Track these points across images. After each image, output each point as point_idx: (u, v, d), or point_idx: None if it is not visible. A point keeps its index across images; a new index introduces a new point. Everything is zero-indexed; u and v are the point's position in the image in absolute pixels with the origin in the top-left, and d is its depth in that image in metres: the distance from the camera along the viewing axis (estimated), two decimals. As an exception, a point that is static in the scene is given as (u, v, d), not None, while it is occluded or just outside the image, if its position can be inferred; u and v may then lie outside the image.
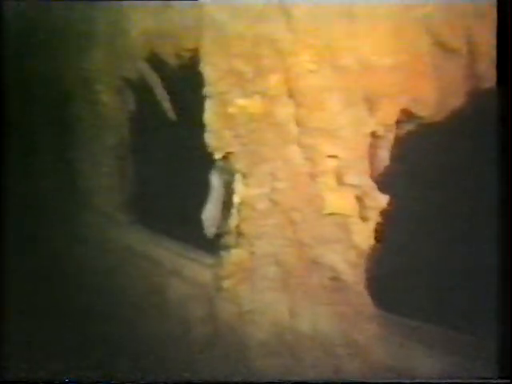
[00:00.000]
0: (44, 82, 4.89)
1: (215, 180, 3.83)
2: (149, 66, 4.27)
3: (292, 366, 3.47)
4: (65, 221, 4.98)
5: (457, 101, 3.24)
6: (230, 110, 3.48)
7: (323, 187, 3.25)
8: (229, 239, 3.73)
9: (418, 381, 2.93)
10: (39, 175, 5.09)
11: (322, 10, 3.09)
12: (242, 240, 3.66)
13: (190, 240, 4.17)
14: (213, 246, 3.94)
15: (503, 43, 2.86)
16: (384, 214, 3.22)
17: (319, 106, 3.17)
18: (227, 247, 3.75)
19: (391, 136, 3.27)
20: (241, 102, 3.45)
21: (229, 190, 3.69)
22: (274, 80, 3.32)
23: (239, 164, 3.57)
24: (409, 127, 3.35)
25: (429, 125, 3.36)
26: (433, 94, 3.16)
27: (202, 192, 4.00)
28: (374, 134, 3.17)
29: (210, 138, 3.64)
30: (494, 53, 2.91)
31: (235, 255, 3.70)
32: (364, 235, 3.24)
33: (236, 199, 3.59)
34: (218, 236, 3.84)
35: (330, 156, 3.18)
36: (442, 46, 3.11)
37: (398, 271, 3.43)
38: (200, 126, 3.77)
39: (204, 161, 3.90)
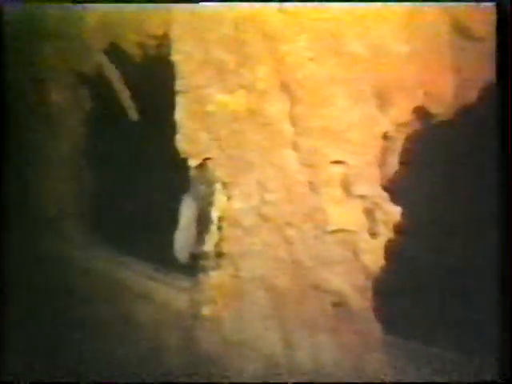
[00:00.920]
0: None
1: (189, 192, 3.03)
2: (107, 59, 3.43)
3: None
4: (22, 240, 4.01)
5: (471, 96, 2.56)
6: (208, 107, 2.69)
7: (326, 199, 2.53)
8: (207, 260, 2.96)
9: (418, 381, 2.59)
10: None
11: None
12: (223, 261, 2.94)
13: (161, 260, 3.35)
14: (189, 267, 3.13)
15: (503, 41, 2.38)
16: (396, 228, 2.50)
17: (321, 102, 2.45)
18: (205, 269, 3.01)
19: (402, 137, 2.56)
20: (221, 97, 2.67)
21: (207, 204, 2.89)
22: (262, 71, 2.56)
23: (219, 172, 2.81)
24: (417, 126, 2.65)
25: (437, 123, 2.67)
26: (449, 88, 2.48)
27: (173, 206, 3.18)
28: (385, 136, 2.44)
29: (182, 142, 2.86)
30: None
31: (215, 278, 2.93)
32: (374, 254, 2.55)
33: (215, 214, 2.79)
34: (195, 257, 3.04)
35: (334, 162, 2.46)
36: (462, 32, 2.42)
37: (408, 291, 2.75)
38: (170, 128, 2.94)
39: (175, 169, 3.09)
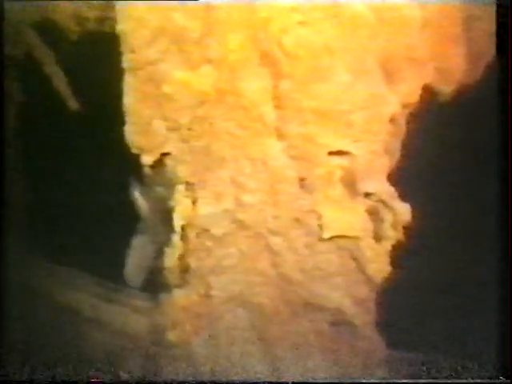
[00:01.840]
0: None
1: (142, 197, 2.31)
2: (39, 37, 2.59)
3: None
4: None
5: (477, 74, 2.01)
6: (165, 88, 1.97)
7: (321, 199, 1.88)
8: (170, 277, 2.28)
9: (418, 381, 2.20)
10: None
11: None
12: (190, 277, 2.27)
13: (112, 275, 2.61)
14: (149, 285, 2.41)
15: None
16: (406, 229, 1.91)
17: (314, 77, 1.78)
18: (168, 287, 2.35)
19: (404, 120, 1.96)
20: (181, 75, 1.96)
21: (167, 210, 2.19)
22: (235, 40, 1.86)
23: (182, 170, 2.12)
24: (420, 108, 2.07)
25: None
26: (460, 64, 1.88)
27: (124, 212, 2.44)
28: (392, 118, 1.82)
29: (133, 134, 2.14)
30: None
31: (181, 298, 2.22)
32: (378, 262, 1.94)
33: (178, 222, 2.07)
34: (155, 272, 2.34)
35: (333, 152, 1.80)
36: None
37: (413, 301, 2.19)
38: (118, 117, 2.20)
39: (126, 169, 2.35)
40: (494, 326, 2.12)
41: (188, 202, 2.16)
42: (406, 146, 2.07)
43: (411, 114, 2.10)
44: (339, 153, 1.85)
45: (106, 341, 2.67)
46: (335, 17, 1.77)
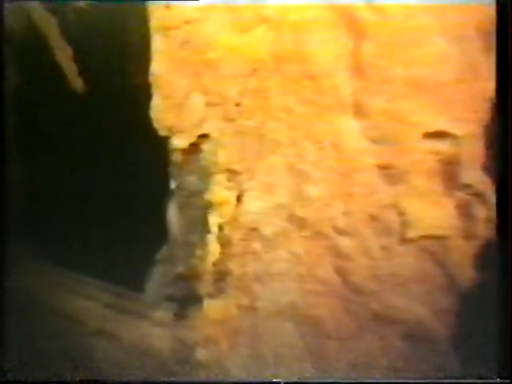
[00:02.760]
0: None
1: (170, 190, 1.83)
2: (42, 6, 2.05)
3: None
4: None
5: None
6: (209, 53, 1.48)
7: (405, 192, 1.41)
8: (202, 285, 1.82)
9: (418, 381, 1.81)
10: None
11: None
12: (226, 286, 1.82)
13: (128, 283, 2.10)
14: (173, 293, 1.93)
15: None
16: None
17: (404, 40, 1.31)
18: (198, 297, 1.86)
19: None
20: (228, 38, 1.47)
21: (201, 206, 1.70)
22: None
23: (224, 155, 1.59)
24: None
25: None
26: None
27: (143, 207, 1.96)
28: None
29: (161, 111, 1.60)
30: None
31: (215, 309, 1.74)
32: (466, 266, 1.48)
33: (215, 219, 1.68)
34: (182, 280, 1.86)
35: (430, 134, 1.34)
36: None
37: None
38: (140, 91, 1.70)
39: (149, 156, 1.85)
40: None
41: (230, 195, 1.68)
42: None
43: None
44: (438, 134, 1.41)
45: (120, 357, 2.16)
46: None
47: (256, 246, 1.71)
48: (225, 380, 2.09)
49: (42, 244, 2.44)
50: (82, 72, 2.19)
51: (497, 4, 1.80)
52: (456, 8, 1.38)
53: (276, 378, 1.86)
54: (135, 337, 2.10)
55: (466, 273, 1.61)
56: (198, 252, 1.84)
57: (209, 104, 1.64)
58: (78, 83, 2.23)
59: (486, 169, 1.54)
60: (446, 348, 1.73)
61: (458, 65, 1.42)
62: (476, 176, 1.45)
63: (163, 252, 1.88)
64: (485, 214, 1.56)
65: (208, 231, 1.80)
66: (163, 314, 2.06)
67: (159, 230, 1.92)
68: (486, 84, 1.46)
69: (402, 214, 1.52)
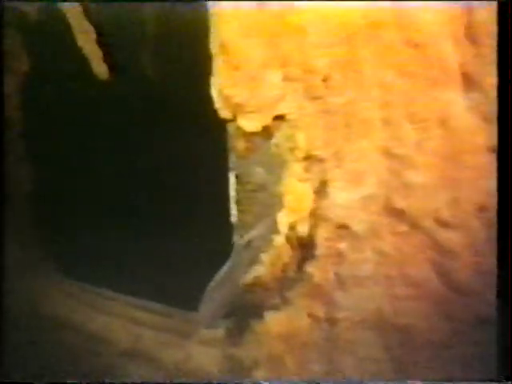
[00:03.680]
0: None
1: (231, 184, 1.58)
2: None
3: None
4: None
5: None
6: (292, 17, 1.26)
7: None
8: (263, 294, 1.57)
9: (416, 382, 1.61)
10: None
11: None
12: (298, 294, 1.52)
13: (163, 296, 1.81)
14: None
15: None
16: None
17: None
18: (258, 308, 1.58)
19: None
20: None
21: (269, 203, 1.44)
22: None
23: (304, 139, 1.35)
24: None
25: None
26: None
27: (186, 204, 1.69)
28: None
29: (227, 87, 1.36)
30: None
31: (280, 323, 1.47)
32: None
33: (285, 218, 1.48)
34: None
35: None
36: None
37: None
38: (195, 64, 1.48)
39: (202, 139, 1.62)
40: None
41: (307, 187, 1.42)
42: None
43: None
44: None
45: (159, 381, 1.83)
46: None
47: (341, 245, 1.45)
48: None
49: (56, 252, 2.13)
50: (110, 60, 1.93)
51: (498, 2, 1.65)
52: None
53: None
54: (176, 357, 1.79)
55: None
56: (264, 257, 1.58)
57: (286, 78, 1.41)
58: (103, 72, 1.98)
59: None
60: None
61: None
62: None
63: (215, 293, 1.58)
64: None
65: (277, 232, 1.54)
66: (208, 330, 1.76)
67: (220, 237, 1.63)
68: None
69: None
